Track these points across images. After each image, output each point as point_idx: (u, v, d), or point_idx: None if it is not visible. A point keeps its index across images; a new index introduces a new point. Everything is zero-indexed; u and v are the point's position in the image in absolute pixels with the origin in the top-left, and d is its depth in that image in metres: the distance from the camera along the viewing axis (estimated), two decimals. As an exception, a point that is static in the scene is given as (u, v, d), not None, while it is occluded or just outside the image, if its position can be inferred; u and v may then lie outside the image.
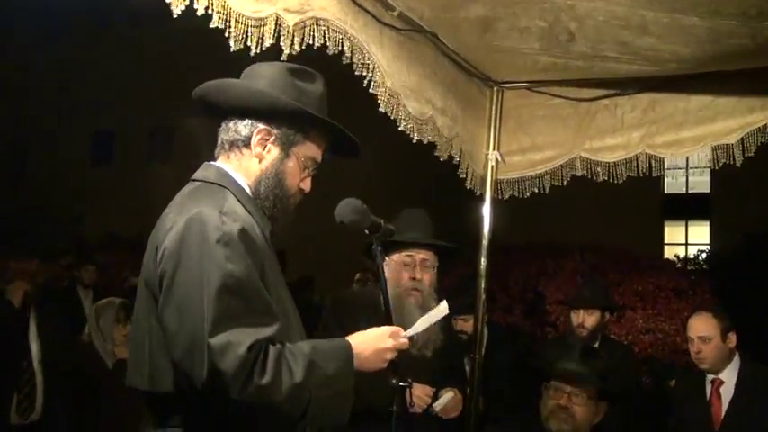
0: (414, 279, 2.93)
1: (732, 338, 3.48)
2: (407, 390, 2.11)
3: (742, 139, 3.29)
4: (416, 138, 3.08)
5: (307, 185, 1.98)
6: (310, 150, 1.95)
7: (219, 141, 1.94)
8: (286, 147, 1.90)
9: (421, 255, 2.97)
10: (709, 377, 3.57)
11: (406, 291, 2.92)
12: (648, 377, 5.83)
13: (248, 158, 1.90)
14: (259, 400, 1.60)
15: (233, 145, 1.90)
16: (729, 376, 3.51)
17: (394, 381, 2.09)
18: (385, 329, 1.92)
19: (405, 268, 2.95)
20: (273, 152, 1.90)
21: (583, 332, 4.04)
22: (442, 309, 2.15)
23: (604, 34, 2.97)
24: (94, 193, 19.04)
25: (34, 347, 3.74)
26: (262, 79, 1.91)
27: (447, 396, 2.92)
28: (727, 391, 3.50)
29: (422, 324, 2.09)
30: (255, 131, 1.89)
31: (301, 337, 1.89)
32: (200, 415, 1.71)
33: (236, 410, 1.65)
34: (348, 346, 1.82)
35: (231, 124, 1.91)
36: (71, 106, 19.94)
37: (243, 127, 1.89)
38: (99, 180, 20.03)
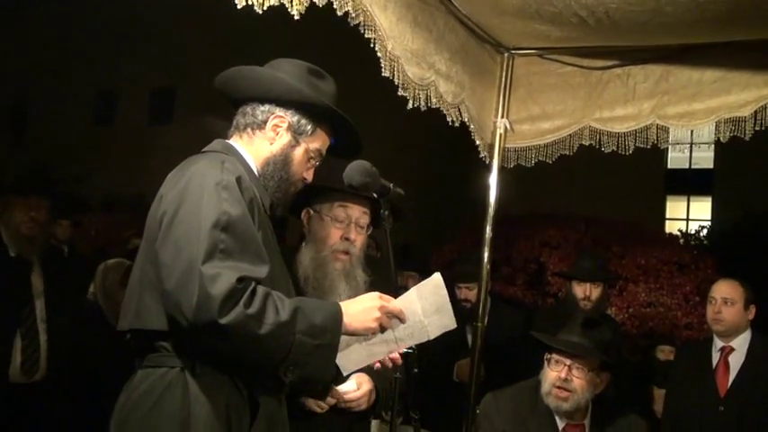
0: (347, 239, 2.43)
1: (752, 311, 3.59)
2: (413, 356, 2.09)
3: (755, 112, 3.23)
4: (412, 104, 2.98)
5: (309, 175, 2.10)
6: (318, 142, 2.07)
7: (234, 123, 2.06)
8: (297, 135, 2.03)
9: (357, 211, 2.45)
10: (718, 345, 3.63)
11: (333, 253, 2.41)
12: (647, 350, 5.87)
13: (260, 140, 2.02)
14: (243, 330, 1.66)
15: (247, 126, 2.03)
16: (740, 345, 3.60)
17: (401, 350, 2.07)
18: (374, 293, 1.97)
19: (336, 225, 2.43)
20: (285, 138, 2.02)
21: (588, 305, 4.07)
22: (436, 281, 2.02)
23: (617, 18, 2.94)
24: (95, 154, 18.99)
25: (39, 306, 3.70)
26: (283, 72, 2.04)
27: (346, 386, 2.37)
28: (736, 360, 3.59)
29: (414, 295, 2.00)
30: (272, 116, 2.01)
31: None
32: (183, 353, 1.78)
33: (221, 346, 1.71)
34: (337, 304, 1.89)
35: (249, 108, 2.03)
36: (72, 65, 19.75)
37: (260, 112, 2.02)
38: (100, 140, 19.97)
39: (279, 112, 2.01)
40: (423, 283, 2.04)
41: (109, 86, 20.84)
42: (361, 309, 1.90)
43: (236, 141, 2.04)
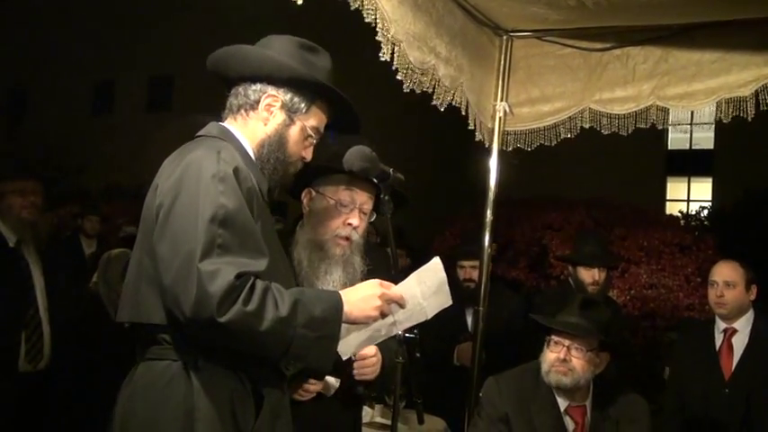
0: (349, 225, 2.32)
1: (753, 291, 3.57)
2: (414, 341, 2.09)
3: (756, 91, 3.21)
4: (409, 88, 2.93)
5: (308, 154, 2.04)
6: (314, 119, 2.01)
7: (228, 105, 2.01)
8: (291, 113, 1.97)
9: (363, 196, 2.35)
10: (721, 326, 3.62)
11: (334, 238, 2.31)
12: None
13: (254, 121, 1.97)
14: (242, 327, 1.64)
15: (240, 108, 1.98)
16: (743, 326, 3.58)
17: (400, 332, 2.07)
18: (375, 280, 1.94)
19: (340, 209, 2.32)
20: (279, 117, 1.97)
21: (595, 289, 4.06)
22: (436, 266, 1.99)
23: (615, 1, 2.92)
24: (95, 144, 18.96)
25: (39, 296, 3.72)
26: (273, 49, 1.99)
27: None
28: (739, 341, 3.57)
29: (413, 280, 1.98)
30: (264, 96, 1.96)
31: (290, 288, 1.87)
32: (185, 346, 1.76)
33: (220, 342, 1.70)
34: (337, 293, 1.86)
35: (241, 89, 1.98)
36: (70, 54, 19.66)
37: (252, 92, 1.96)
38: (99, 130, 19.92)
39: (271, 90, 1.95)
40: (422, 268, 2.02)
41: (107, 75, 20.76)
42: (361, 297, 1.87)
43: (230, 124, 1.98)
